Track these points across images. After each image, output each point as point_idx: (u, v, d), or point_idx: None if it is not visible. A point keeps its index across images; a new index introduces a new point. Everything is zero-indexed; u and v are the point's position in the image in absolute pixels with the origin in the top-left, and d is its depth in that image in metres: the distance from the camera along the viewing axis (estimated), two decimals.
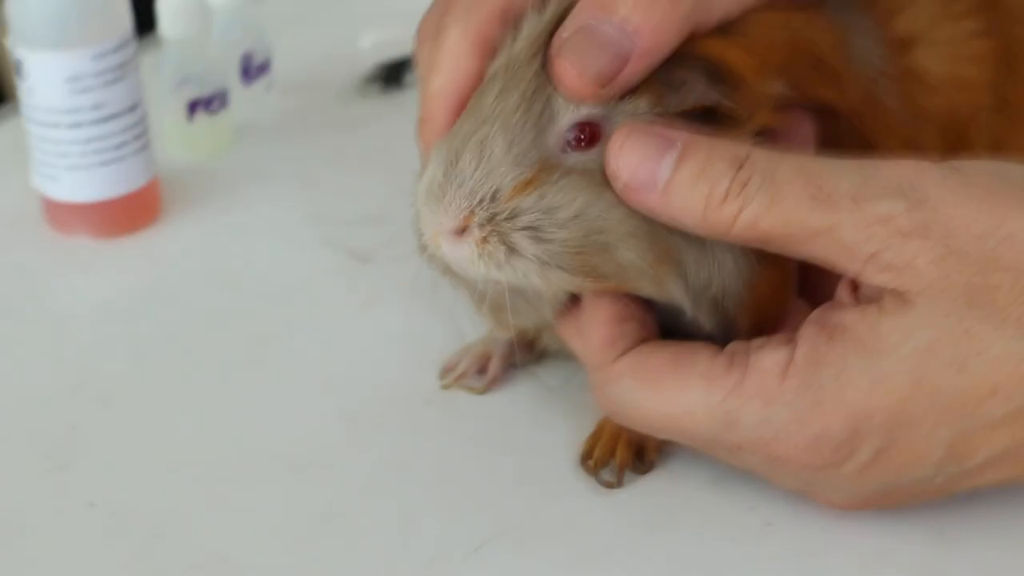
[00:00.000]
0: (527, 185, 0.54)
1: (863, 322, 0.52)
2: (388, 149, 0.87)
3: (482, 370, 0.67)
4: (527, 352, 0.67)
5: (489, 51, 0.58)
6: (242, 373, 0.69)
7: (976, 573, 0.56)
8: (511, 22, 0.58)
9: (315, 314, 0.73)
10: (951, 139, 0.61)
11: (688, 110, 0.54)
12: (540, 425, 0.64)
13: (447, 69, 0.58)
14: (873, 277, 0.51)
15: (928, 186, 0.51)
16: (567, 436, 0.63)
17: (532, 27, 0.57)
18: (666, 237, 0.54)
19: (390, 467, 0.63)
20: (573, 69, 0.54)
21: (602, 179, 0.54)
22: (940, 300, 0.50)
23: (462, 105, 0.57)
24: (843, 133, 0.57)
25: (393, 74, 0.94)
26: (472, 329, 0.70)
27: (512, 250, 0.54)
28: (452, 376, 0.67)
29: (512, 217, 0.54)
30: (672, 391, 0.54)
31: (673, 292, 0.55)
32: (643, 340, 0.57)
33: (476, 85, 0.57)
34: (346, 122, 0.90)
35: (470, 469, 0.62)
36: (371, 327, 0.72)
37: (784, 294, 0.57)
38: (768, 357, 0.53)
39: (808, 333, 0.53)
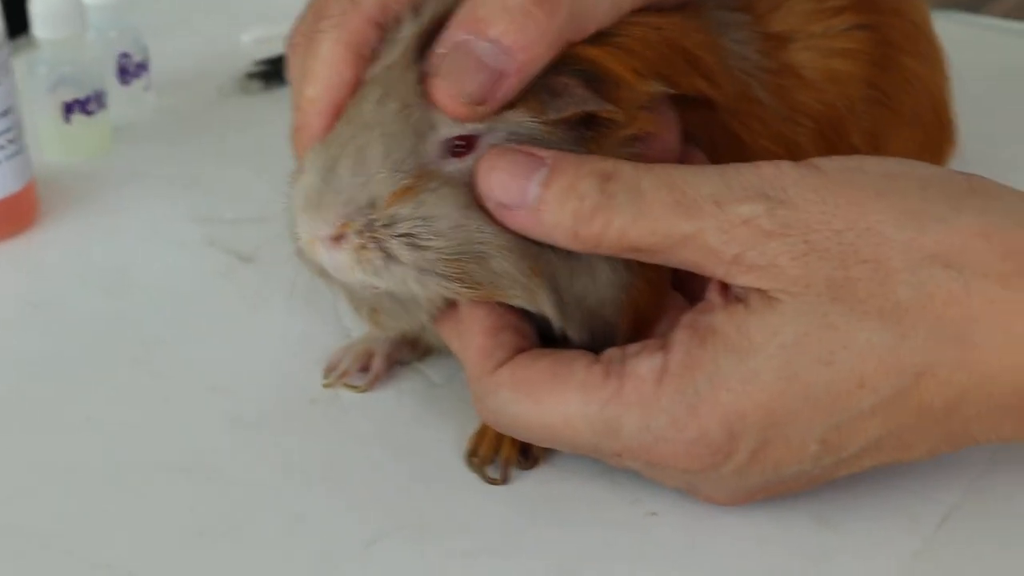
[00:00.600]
0: (405, 192, 0.54)
1: (731, 323, 0.52)
2: (271, 147, 0.86)
3: (365, 368, 0.67)
4: (411, 349, 0.67)
5: (364, 58, 0.58)
6: (126, 378, 0.68)
7: (856, 554, 0.57)
8: (386, 27, 0.58)
9: (200, 316, 0.73)
10: (827, 134, 0.62)
11: (569, 117, 0.55)
12: (426, 422, 0.65)
13: (322, 77, 0.57)
14: (739, 278, 0.52)
15: (788, 186, 0.52)
16: (453, 433, 0.63)
17: (409, 31, 0.57)
18: (539, 251, 0.55)
19: (277, 467, 0.62)
20: (449, 91, 0.54)
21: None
22: (804, 296, 0.51)
23: (337, 112, 0.57)
24: (718, 132, 0.58)
25: (275, 70, 0.93)
26: (357, 328, 0.70)
27: (390, 257, 0.54)
28: (334, 375, 0.67)
29: (389, 224, 0.54)
30: (550, 402, 0.55)
31: (543, 305, 0.56)
32: (521, 350, 0.57)
33: (351, 92, 0.57)
34: (228, 120, 0.90)
35: (358, 467, 0.62)
36: (256, 328, 0.71)
37: (660, 292, 0.57)
38: (643, 364, 0.54)
39: (681, 337, 0.54)
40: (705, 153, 0.58)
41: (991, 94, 0.84)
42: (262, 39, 0.98)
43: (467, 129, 0.55)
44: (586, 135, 0.55)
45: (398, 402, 0.66)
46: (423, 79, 0.55)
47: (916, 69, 0.66)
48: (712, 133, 0.58)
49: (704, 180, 0.52)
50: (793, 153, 0.60)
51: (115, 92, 0.87)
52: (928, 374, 0.50)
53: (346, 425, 0.65)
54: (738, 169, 0.53)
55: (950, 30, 0.89)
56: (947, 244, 0.50)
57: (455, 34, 0.54)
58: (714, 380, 0.52)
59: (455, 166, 0.55)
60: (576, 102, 0.54)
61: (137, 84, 0.88)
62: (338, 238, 0.55)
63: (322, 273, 0.58)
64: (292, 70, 0.60)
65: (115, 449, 0.64)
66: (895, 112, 0.65)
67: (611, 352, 0.55)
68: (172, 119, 0.89)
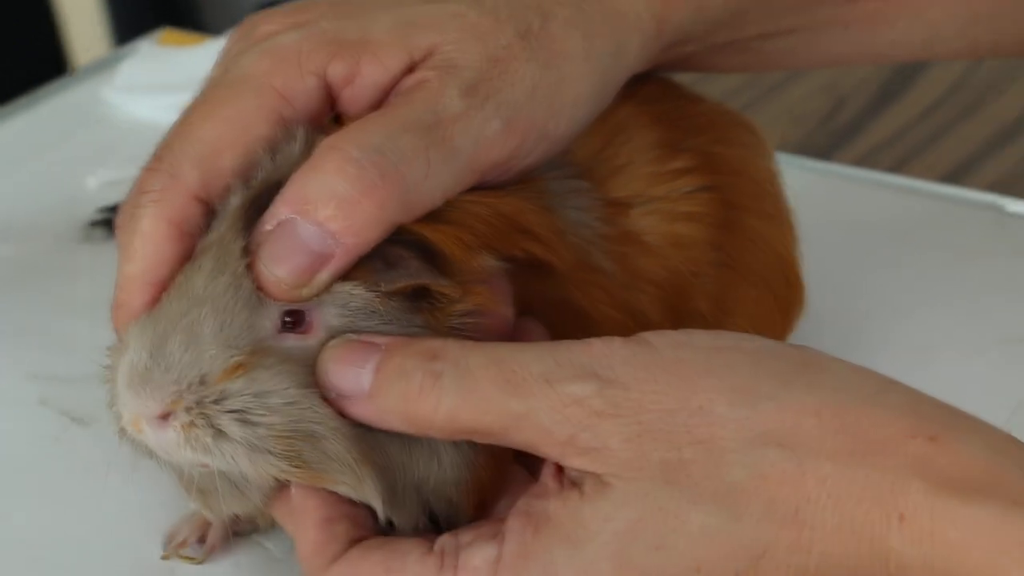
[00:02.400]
0: (237, 369, 0.53)
1: (565, 510, 0.51)
2: (110, 300, 0.84)
3: (203, 539, 0.64)
4: (250, 521, 0.65)
5: (186, 234, 0.56)
6: None
7: None
8: (209, 202, 0.56)
9: (28, 483, 0.69)
10: (672, 300, 0.61)
11: (403, 289, 0.54)
12: None
13: (141, 255, 0.56)
14: (573, 460, 0.51)
15: (617, 364, 0.51)
16: None
17: (238, 200, 0.55)
18: (375, 438, 0.54)
19: None
20: (267, 273, 0.53)
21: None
22: (637, 480, 0.50)
23: (158, 289, 0.56)
24: (558, 302, 0.57)
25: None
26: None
27: (220, 433, 0.53)
28: (172, 546, 0.64)
29: (219, 400, 0.53)
30: None
31: (369, 494, 0.54)
32: (356, 540, 0.55)
33: (174, 269, 0.56)
34: (68, 269, 0.87)
35: None
36: (89, 496, 0.68)
37: (503, 466, 0.56)
38: (477, 555, 0.52)
39: (515, 526, 0.52)
40: (547, 324, 0.57)
41: (840, 243, 0.84)
42: (109, 182, 0.95)
43: (296, 305, 0.53)
44: (421, 306, 0.54)
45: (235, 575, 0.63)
46: (249, 252, 0.53)
47: (761, 230, 0.66)
48: (552, 303, 0.57)
49: (533, 358, 0.52)
50: (637, 321, 0.59)
51: None
52: (766, 557, 0.50)
53: None
54: (568, 347, 0.52)
55: (799, 177, 0.90)
56: (778, 422, 0.50)
57: (280, 211, 0.53)
58: (548, 571, 0.51)
59: (292, 343, 0.54)
60: (410, 274, 0.53)
61: None
62: (165, 416, 0.53)
63: (148, 453, 0.56)
64: (119, 247, 0.58)
65: None
66: (741, 275, 0.65)
67: (444, 541, 0.54)
68: (7, 267, 0.86)
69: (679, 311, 0.61)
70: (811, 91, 1.09)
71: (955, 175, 0.96)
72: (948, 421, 0.50)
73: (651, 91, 0.65)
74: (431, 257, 0.54)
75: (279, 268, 0.53)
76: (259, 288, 0.53)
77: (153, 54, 1.10)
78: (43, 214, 0.92)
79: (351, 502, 0.55)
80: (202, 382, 0.53)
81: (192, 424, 0.53)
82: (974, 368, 0.74)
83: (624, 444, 0.50)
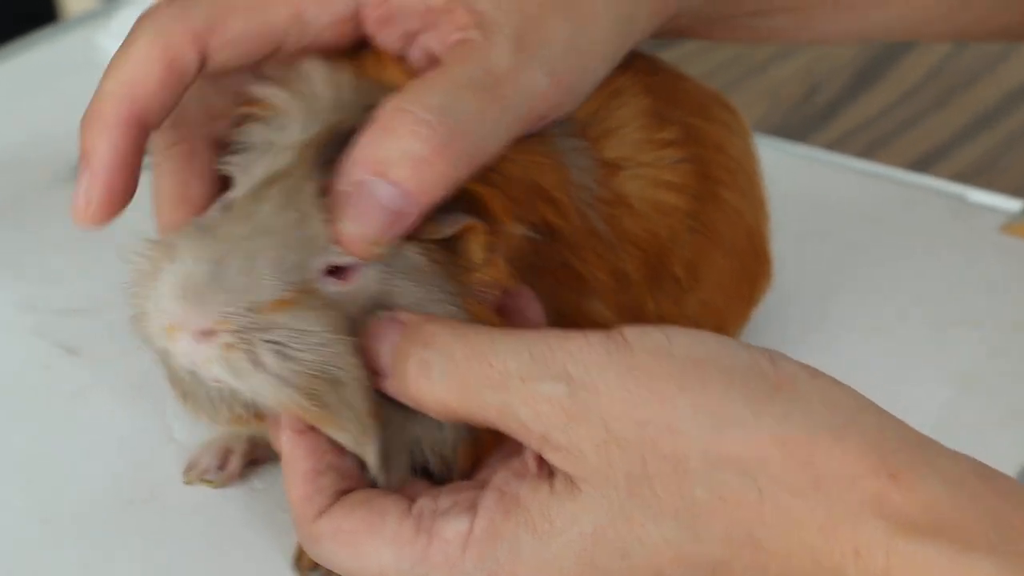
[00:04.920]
0: (285, 303, 0.54)
1: (535, 500, 0.53)
2: (102, 236, 0.86)
3: (222, 465, 0.67)
4: (267, 450, 0.67)
5: (176, 70, 0.58)
6: None
7: None
8: (202, 50, 0.58)
9: (19, 408, 0.72)
10: (652, 262, 0.64)
11: (449, 236, 0.56)
12: (254, 525, 0.65)
13: (128, 74, 0.57)
14: (549, 455, 0.53)
15: (592, 366, 0.52)
16: (279, 538, 0.63)
17: (296, 136, 0.57)
18: (382, 395, 0.56)
19: (88, 569, 0.62)
20: (352, 233, 0.55)
21: (352, 319, 0.55)
22: (604, 487, 0.52)
23: (135, 113, 0.57)
24: (557, 266, 0.60)
25: None
26: (181, 430, 0.70)
27: (257, 361, 0.54)
28: (195, 472, 0.67)
29: (264, 329, 0.54)
30: (368, 555, 0.55)
31: (365, 450, 0.56)
32: (342, 491, 0.57)
33: (155, 98, 0.57)
34: (58, 207, 0.88)
35: (178, 572, 0.62)
36: (77, 424, 0.71)
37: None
38: (450, 527, 0.54)
39: (488, 503, 0.54)
40: (543, 286, 0.60)
41: (810, 224, 0.87)
42: None
43: (347, 260, 0.55)
44: (450, 270, 0.56)
45: (224, 504, 0.66)
46: (324, 193, 0.55)
47: (736, 203, 0.69)
48: (552, 267, 0.60)
49: (512, 353, 0.53)
50: (620, 283, 0.62)
51: None
52: (723, 569, 0.51)
53: (168, 528, 0.65)
54: (547, 341, 0.53)
55: (775, 158, 0.93)
56: (743, 450, 0.51)
57: (357, 172, 0.55)
58: (513, 553, 0.53)
59: (333, 288, 0.56)
60: (455, 226, 0.56)
61: None
62: (207, 332, 0.54)
63: (165, 357, 0.57)
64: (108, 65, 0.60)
65: None
66: (714, 244, 0.67)
67: (423, 504, 0.56)
68: (2, 204, 0.88)
69: (657, 274, 0.64)
70: (790, 74, 1.12)
71: (924, 162, 0.99)
72: (911, 456, 0.50)
73: (644, 64, 0.67)
74: (476, 215, 0.56)
75: (360, 227, 0.54)
76: (338, 243, 0.55)
77: (149, 3, 1.12)
78: (36, 153, 0.93)
79: (338, 453, 0.57)
80: (251, 308, 0.54)
81: (232, 346, 0.54)
82: (928, 347, 0.77)
83: (594, 449, 0.51)
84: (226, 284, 0.54)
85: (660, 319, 0.65)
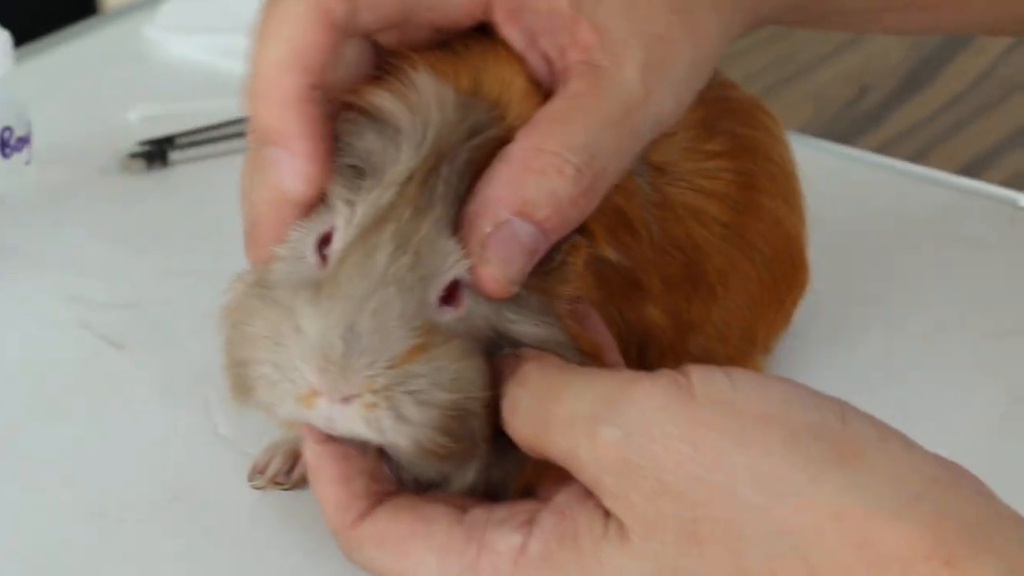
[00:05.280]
0: (417, 350, 0.53)
1: (590, 537, 0.52)
2: (150, 228, 0.87)
3: (291, 469, 0.66)
4: None
5: (335, 30, 0.55)
6: None
7: None
8: (352, 8, 0.55)
9: (65, 402, 0.72)
10: (691, 267, 0.64)
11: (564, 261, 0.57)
12: (296, 522, 0.64)
13: (291, 39, 0.55)
14: (604, 499, 0.52)
15: (651, 413, 0.51)
16: (325, 536, 0.63)
17: (400, 157, 0.55)
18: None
19: (134, 565, 0.62)
20: (495, 274, 0.55)
21: (471, 343, 0.55)
22: (652, 540, 0.50)
23: (310, 81, 0.55)
24: (620, 277, 0.60)
25: (159, 151, 0.93)
26: (225, 423, 0.70)
27: (400, 416, 0.54)
28: (264, 478, 0.66)
29: (403, 382, 0.53)
30: (414, 562, 0.55)
31: (468, 468, 0.56)
32: (378, 494, 0.56)
33: (321, 61, 0.55)
34: (108, 199, 0.89)
35: (217, 569, 0.62)
36: (121, 420, 0.71)
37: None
38: (504, 540, 0.53)
39: (546, 524, 0.53)
40: (603, 293, 0.60)
41: (854, 228, 0.87)
42: (148, 118, 0.97)
43: (457, 276, 0.55)
44: (543, 287, 0.57)
45: (264, 503, 0.66)
46: (441, 227, 0.55)
47: (776, 211, 0.69)
48: (614, 276, 0.60)
49: (580, 394, 0.53)
50: (668, 287, 0.62)
51: None
52: None
53: (207, 525, 0.64)
54: (616, 383, 0.52)
55: (820, 160, 0.93)
56: (799, 522, 0.49)
57: (498, 212, 0.55)
58: None
59: (449, 316, 0.55)
60: (574, 244, 0.57)
61: (18, 158, 0.87)
62: (350, 396, 0.54)
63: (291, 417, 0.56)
64: (256, 36, 0.57)
65: None
66: (745, 253, 0.67)
67: (476, 514, 0.55)
68: (51, 195, 0.89)
69: (694, 280, 0.64)
70: (836, 77, 1.11)
71: (973, 167, 0.99)
72: (971, 541, 0.48)
73: None
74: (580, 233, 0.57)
75: (504, 268, 0.54)
76: (476, 285, 0.55)
77: None
78: (84, 145, 0.94)
79: (365, 456, 0.56)
80: (389, 365, 0.53)
81: (375, 405, 0.53)
82: (982, 356, 0.76)
83: (643, 499, 0.50)
84: (362, 347, 0.53)
85: (691, 325, 0.65)
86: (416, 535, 0.55)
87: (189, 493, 0.66)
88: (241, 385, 0.56)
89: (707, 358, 0.67)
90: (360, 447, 0.56)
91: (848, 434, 0.50)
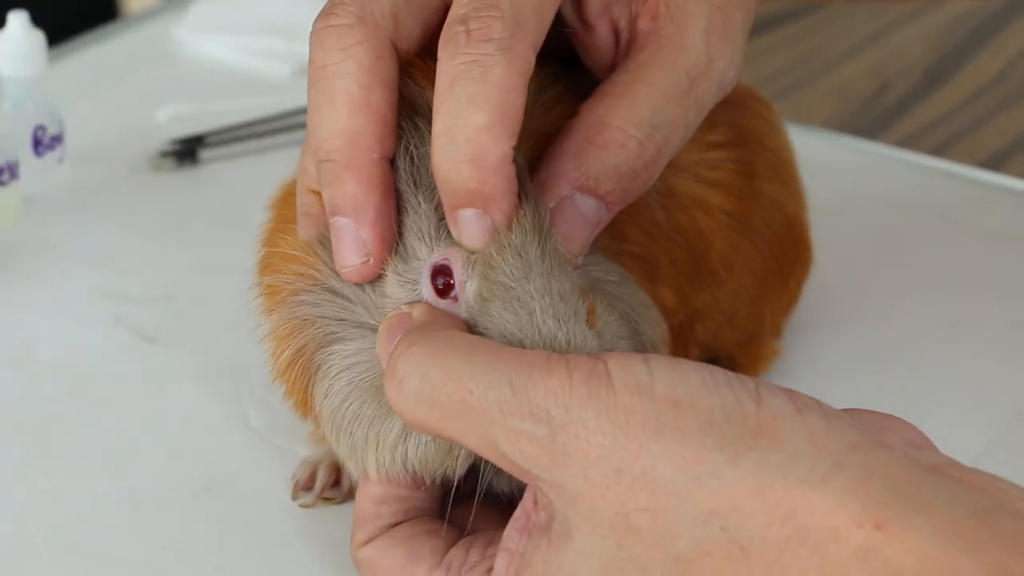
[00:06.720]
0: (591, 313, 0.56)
1: (538, 555, 0.51)
2: (181, 225, 0.88)
3: (337, 482, 0.66)
4: None
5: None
6: (22, 454, 0.69)
7: None
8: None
9: (100, 395, 0.73)
10: (695, 252, 0.65)
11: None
12: (325, 515, 0.65)
13: (497, 103, 0.53)
14: (539, 488, 0.51)
15: (574, 406, 0.49)
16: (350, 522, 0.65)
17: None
18: None
19: (170, 554, 0.63)
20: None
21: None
22: (592, 535, 0.50)
23: (512, 143, 0.53)
24: (631, 253, 0.62)
25: (189, 150, 0.94)
26: (256, 416, 0.71)
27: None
28: (313, 495, 0.66)
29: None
30: None
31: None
32: (393, 524, 0.57)
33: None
34: (140, 197, 0.91)
35: (251, 558, 0.63)
36: (153, 413, 0.72)
37: None
38: None
39: (500, 566, 0.53)
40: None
41: (877, 222, 0.87)
42: (178, 117, 0.99)
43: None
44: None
45: (288, 495, 0.67)
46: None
47: (776, 196, 0.70)
48: (625, 254, 0.61)
49: (493, 384, 0.50)
50: (677, 268, 0.64)
51: (28, 163, 0.87)
52: None
53: (241, 514, 0.66)
54: (530, 375, 0.50)
55: (843, 155, 0.94)
56: (722, 503, 0.48)
57: (561, 188, 0.56)
58: None
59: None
60: None
61: (51, 156, 0.89)
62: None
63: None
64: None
65: (4, 528, 0.64)
66: (749, 239, 0.69)
67: (452, 555, 0.56)
68: (84, 193, 0.90)
69: (698, 267, 0.66)
70: (859, 72, 1.12)
71: (997, 160, 0.99)
72: (900, 502, 0.46)
73: None
74: None
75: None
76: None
77: None
78: (115, 144, 0.95)
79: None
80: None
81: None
82: (1004, 347, 0.77)
83: (578, 495, 0.50)
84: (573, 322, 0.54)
85: (698, 312, 0.66)
86: (403, 570, 0.56)
87: (223, 483, 0.67)
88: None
89: (715, 343, 0.69)
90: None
91: (764, 412, 0.49)
